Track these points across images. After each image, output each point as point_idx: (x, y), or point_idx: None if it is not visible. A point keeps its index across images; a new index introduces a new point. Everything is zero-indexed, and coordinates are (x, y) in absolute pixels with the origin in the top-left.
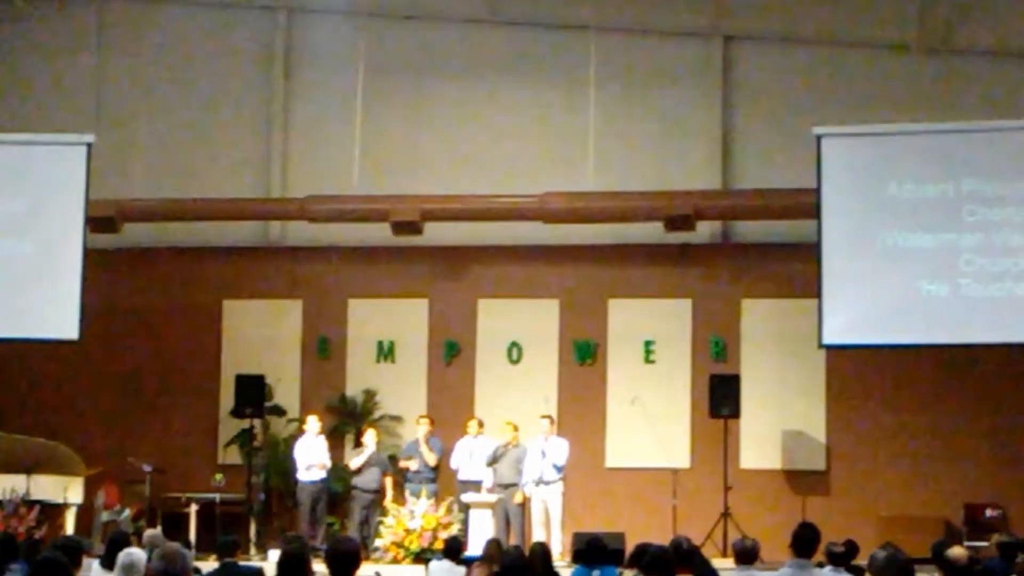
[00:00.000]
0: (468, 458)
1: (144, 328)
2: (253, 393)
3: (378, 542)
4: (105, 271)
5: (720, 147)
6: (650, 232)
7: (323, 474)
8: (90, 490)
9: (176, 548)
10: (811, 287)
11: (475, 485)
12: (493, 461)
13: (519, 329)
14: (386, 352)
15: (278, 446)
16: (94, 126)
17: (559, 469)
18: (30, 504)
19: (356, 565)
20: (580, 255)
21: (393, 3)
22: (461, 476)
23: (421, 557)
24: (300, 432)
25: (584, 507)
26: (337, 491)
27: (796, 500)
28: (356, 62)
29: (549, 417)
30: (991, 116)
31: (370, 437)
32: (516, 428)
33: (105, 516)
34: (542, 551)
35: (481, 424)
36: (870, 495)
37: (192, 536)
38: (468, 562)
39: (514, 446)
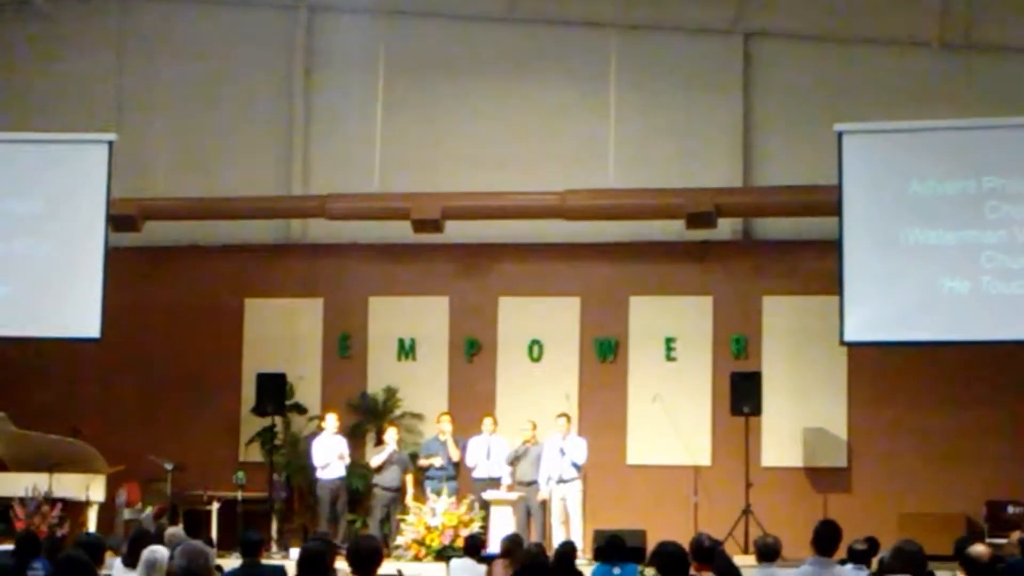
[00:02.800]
0: (485, 456)
1: (165, 326)
2: (274, 391)
3: (399, 540)
4: (126, 270)
5: (741, 144)
6: (671, 229)
7: (342, 471)
8: (112, 488)
9: (198, 546)
10: (832, 284)
11: (492, 483)
12: (514, 460)
13: (540, 327)
14: (407, 350)
15: (299, 444)
16: (115, 125)
17: (578, 467)
18: (52, 502)
19: (378, 563)
20: (601, 252)
21: (413, 1)
22: (477, 474)
23: (442, 555)
24: (319, 430)
25: (605, 504)
26: (358, 489)
27: (817, 497)
28: (376, 60)
29: (566, 415)
30: (1013, 113)
31: (391, 435)
32: (535, 426)
33: (127, 514)
34: (570, 549)
35: (496, 422)
36: (892, 492)
37: (214, 534)
38: (489, 559)
39: (534, 444)
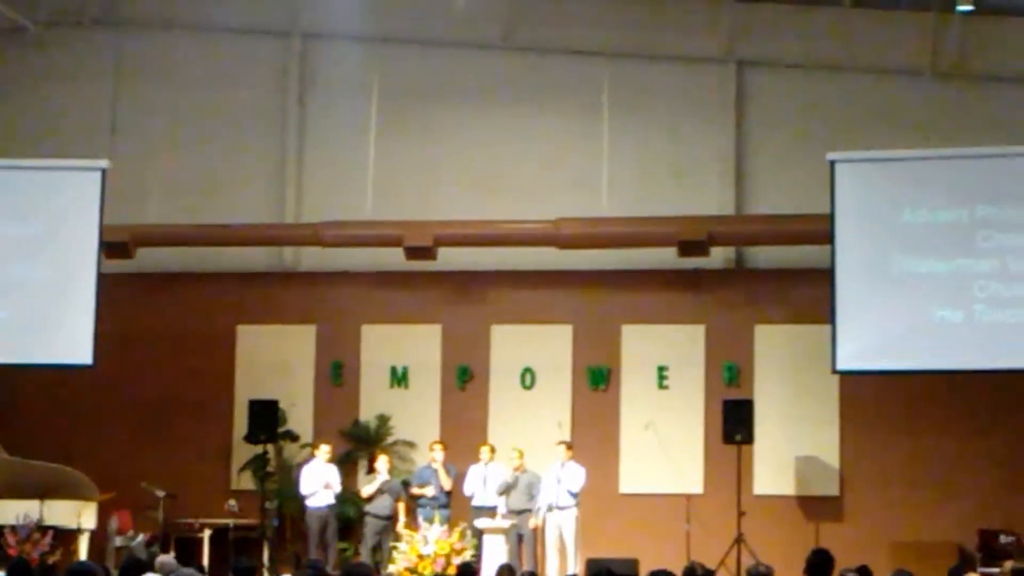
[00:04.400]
0: (482, 485)
1: (158, 353)
2: (267, 418)
3: (391, 568)
4: (119, 296)
5: (734, 173)
6: (663, 258)
7: (331, 499)
8: (103, 515)
9: (190, 573)
10: (825, 313)
11: (489, 511)
12: (505, 491)
13: (533, 355)
14: (400, 377)
15: (291, 472)
16: (109, 152)
17: (574, 495)
18: (44, 529)
19: None
20: (593, 281)
21: (407, 29)
22: (475, 502)
23: None
24: (311, 457)
25: (598, 533)
26: (350, 516)
27: (810, 526)
28: (370, 88)
29: (565, 443)
30: (1005, 142)
31: (382, 463)
32: (522, 454)
33: (118, 542)
34: None
35: (493, 450)
36: (884, 521)
37: (205, 561)
38: None
39: (523, 472)
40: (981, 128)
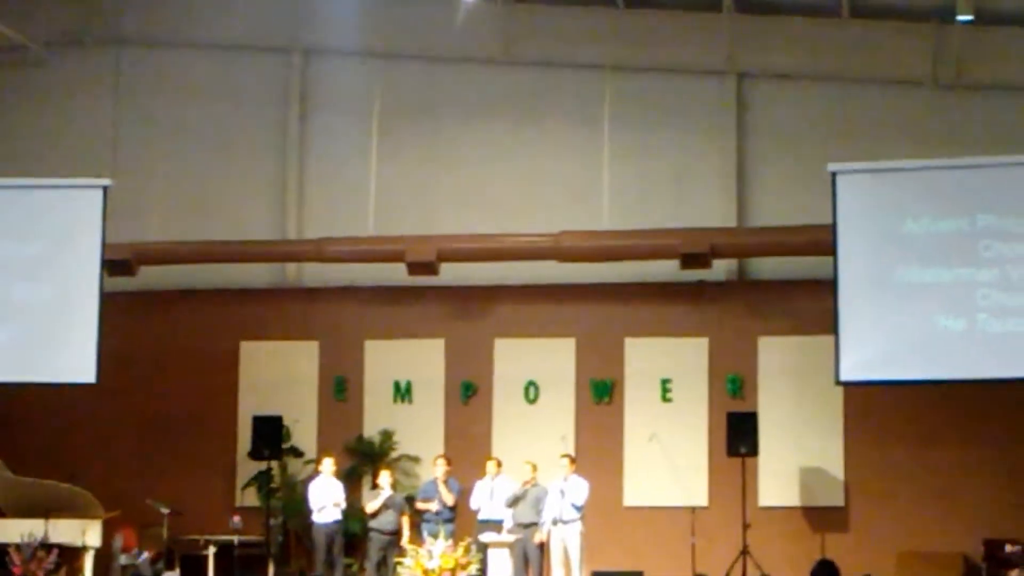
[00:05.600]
0: (488, 498)
1: (161, 370)
2: (271, 434)
3: None
4: (122, 314)
5: (735, 184)
6: (666, 270)
7: (338, 515)
8: (108, 533)
9: None
10: (827, 324)
11: (495, 525)
12: (513, 503)
13: (536, 368)
14: (403, 393)
15: (296, 487)
16: (110, 170)
17: (578, 509)
18: (48, 548)
19: None
20: (596, 294)
21: (408, 45)
22: (481, 516)
23: None
24: (316, 473)
25: (603, 546)
26: (355, 532)
27: (815, 537)
28: (371, 103)
29: (569, 456)
30: (1006, 151)
31: (385, 479)
32: (535, 468)
33: (123, 559)
34: None
35: (500, 464)
36: (889, 531)
37: None
38: None
39: (533, 486)
40: (982, 138)
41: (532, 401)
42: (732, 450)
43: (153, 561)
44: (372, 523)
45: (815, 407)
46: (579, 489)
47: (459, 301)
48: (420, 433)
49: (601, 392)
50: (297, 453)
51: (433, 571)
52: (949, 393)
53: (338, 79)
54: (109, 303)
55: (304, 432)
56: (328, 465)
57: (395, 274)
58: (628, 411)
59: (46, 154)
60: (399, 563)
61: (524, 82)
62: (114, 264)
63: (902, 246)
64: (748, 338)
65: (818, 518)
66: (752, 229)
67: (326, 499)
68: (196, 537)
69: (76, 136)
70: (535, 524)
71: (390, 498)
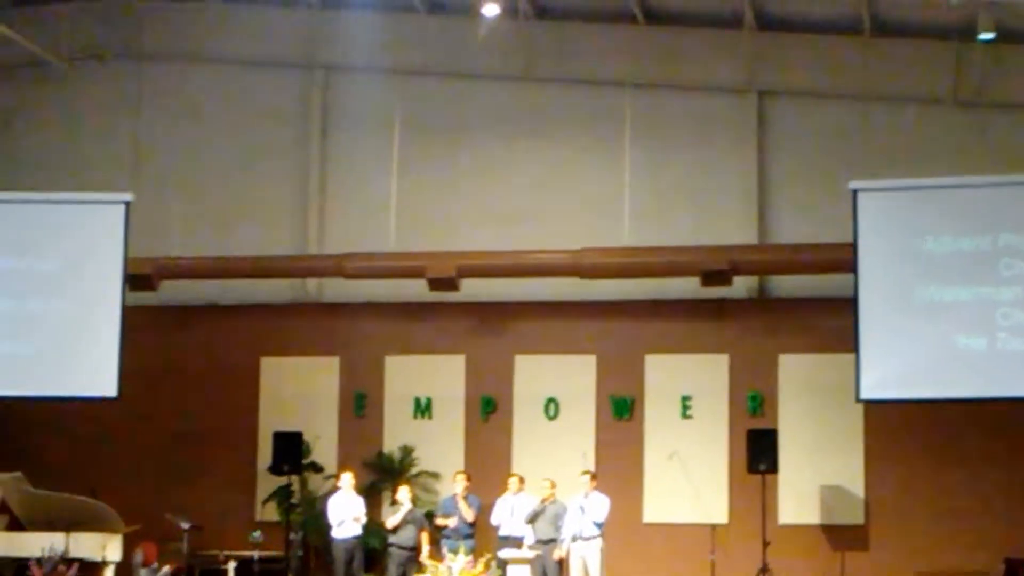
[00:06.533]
0: (509, 515)
1: (182, 385)
2: (291, 450)
3: None
4: (143, 329)
5: (756, 202)
6: (686, 287)
7: (358, 530)
8: (129, 548)
9: None
10: (848, 341)
11: (516, 541)
12: (532, 519)
13: (556, 385)
14: (423, 408)
15: (316, 503)
16: (132, 185)
17: (598, 525)
18: (69, 562)
19: None
20: (616, 311)
21: (429, 61)
22: (502, 532)
23: None
24: (335, 488)
25: (622, 563)
26: (374, 547)
27: (835, 556)
28: (392, 119)
29: (590, 473)
30: None
31: (404, 494)
32: (554, 485)
33: (143, 574)
34: None
35: (522, 481)
36: (909, 550)
37: None
38: None
39: (551, 502)
40: (1003, 156)
41: (552, 418)
42: (752, 467)
43: None
44: (392, 539)
45: (835, 425)
46: (600, 506)
47: (479, 317)
48: (440, 449)
49: (621, 409)
50: (317, 468)
51: None
52: (969, 411)
53: (359, 95)
54: (131, 318)
55: (324, 448)
56: (347, 480)
57: (416, 290)
58: (648, 428)
59: (68, 169)
60: None
61: (545, 98)
62: (136, 279)
63: (923, 264)
64: (768, 355)
65: (838, 536)
66: (773, 246)
67: (345, 514)
68: (216, 552)
69: (98, 151)
70: (554, 541)
71: (409, 513)
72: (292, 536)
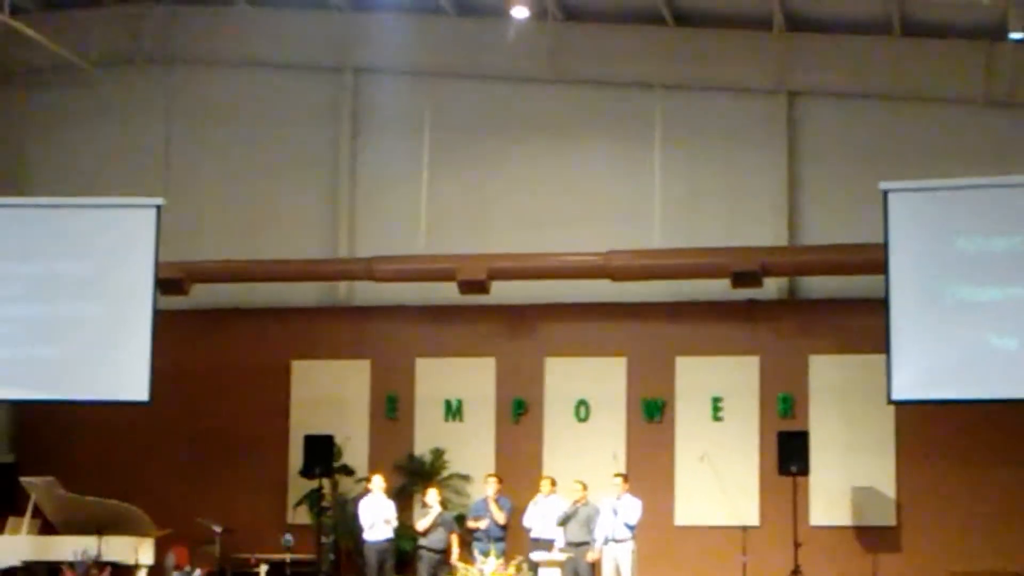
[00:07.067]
0: (540, 517)
1: (213, 389)
2: (322, 453)
3: None
4: (174, 333)
5: (786, 203)
6: (717, 289)
7: (390, 533)
8: (161, 551)
9: None
10: (879, 342)
11: (547, 544)
12: (564, 521)
13: (587, 387)
14: (454, 411)
15: (347, 506)
16: (163, 189)
17: (630, 528)
18: (101, 565)
19: None
20: (647, 312)
21: (458, 63)
22: (533, 535)
23: None
24: (367, 491)
25: (654, 565)
26: (405, 550)
27: (867, 557)
28: (422, 122)
29: (623, 475)
30: None
31: (433, 497)
32: (585, 487)
33: None
34: None
35: (554, 483)
36: (941, 551)
37: None
38: None
39: (583, 505)
40: None
41: (583, 420)
42: (783, 469)
43: None
44: (422, 541)
45: (866, 426)
46: (632, 508)
47: (510, 320)
48: (471, 452)
49: (652, 411)
50: (348, 471)
51: None
52: (1001, 412)
53: (389, 98)
54: (162, 322)
55: (355, 450)
56: (378, 483)
57: (446, 292)
58: (679, 430)
59: (99, 173)
60: None
61: (574, 100)
62: (167, 283)
63: (954, 264)
64: (799, 357)
65: (870, 538)
66: (803, 248)
67: (377, 517)
68: (248, 555)
69: (129, 155)
70: (586, 543)
71: (440, 515)
72: (324, 539)
